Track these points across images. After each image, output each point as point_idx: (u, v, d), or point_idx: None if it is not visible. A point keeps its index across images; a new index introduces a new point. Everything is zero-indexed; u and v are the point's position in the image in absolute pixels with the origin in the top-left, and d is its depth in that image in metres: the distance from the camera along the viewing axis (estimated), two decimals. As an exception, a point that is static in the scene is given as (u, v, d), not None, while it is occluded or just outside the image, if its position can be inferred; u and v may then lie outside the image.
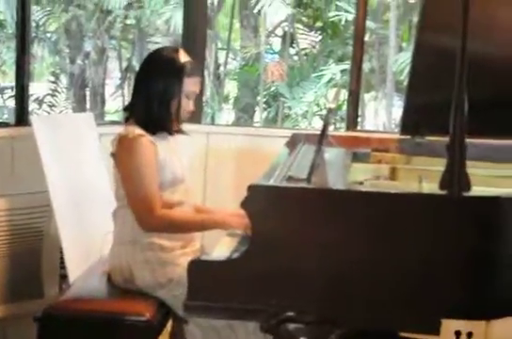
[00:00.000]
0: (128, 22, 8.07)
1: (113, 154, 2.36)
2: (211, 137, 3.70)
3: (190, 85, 2.38)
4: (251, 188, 1.92)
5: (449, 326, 1.89)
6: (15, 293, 2.88)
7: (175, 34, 7.22)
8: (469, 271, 1.89)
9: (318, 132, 2.38)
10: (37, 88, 7.57)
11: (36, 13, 7.57)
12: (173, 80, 2.34)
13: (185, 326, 2.33)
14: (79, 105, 8.00)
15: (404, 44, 7.59)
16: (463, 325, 1.88)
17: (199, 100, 3.81)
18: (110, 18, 7.80)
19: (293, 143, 2.82)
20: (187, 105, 2.40)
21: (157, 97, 2.34)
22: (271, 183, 2.05)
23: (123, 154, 2.32)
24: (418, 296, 1.90)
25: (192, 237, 2.45)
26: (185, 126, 2.51)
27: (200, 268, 1.96)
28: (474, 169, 2.05)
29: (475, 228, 1.88)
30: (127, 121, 2.41)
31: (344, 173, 2.48)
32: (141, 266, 2.33)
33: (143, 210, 2.28)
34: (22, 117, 3.14)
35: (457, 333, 1.88)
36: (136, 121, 2.36)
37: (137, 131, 2.32)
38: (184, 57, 2.37)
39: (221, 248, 2.22)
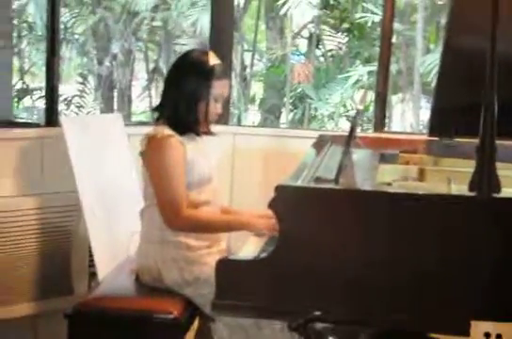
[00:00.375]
0: (155, 24, 8.12)
1: (142, 154, 2.38)
2: (237, 137, 3.71)
3: (219, 88, 2.39)
4: (279, 189, 1.93)
5: (478, 327, 1.88)
6: (46, 290, 2.92)
7: (201, 36, 7.25)
8: (497, 273, 1.88)
9: (345, 133, 2.38)
10: (65, 90, 7.66)
11: (64, 15, 7.65)
12: (202, 82, 2.36)
13: (212, 324, 2.34)
14: (106, 106, 8.08)
15: (431, 46, 7.55)
16: (492, 327, 1.87)
17: (226, 101, 3.83)
18: (137, 20, 7.86)
19: (320, 144, 2.82)
20: (215, 108, 2.42)
21: (186, 99, 2.36)
22: (299, 183, 2.05)
23: (152, 154, 2.34)
24: (446, 297, 1.89)
25: (218, 237, 2.47)
26: (213, 127, 2.53)
27: (227, 268, 1.97)
28: (504, 171, 2.03)
29: (505, 229, 1.86)
30: (157, 121, 2.44)
31: (372, 174, 2.48)
32: (169, 265, 2.35)
33: (170, 210, 2.30)
34: (51, 118, 3.18)
35: (487, 335, 1.87)
36: (165, 122, 2.39)
37: (167, 131, 2.34)
38: (213, 60, 2.39)
39: (248, 248, 2.24)
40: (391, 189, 2.18)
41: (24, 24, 7.86)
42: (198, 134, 2.44)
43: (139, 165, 2.44)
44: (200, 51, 2.47)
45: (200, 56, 2.40)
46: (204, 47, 4.76)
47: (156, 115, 2.46)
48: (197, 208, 2.37)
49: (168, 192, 2.30)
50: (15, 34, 7.33)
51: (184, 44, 7.94)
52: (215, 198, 2.47)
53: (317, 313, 1.93)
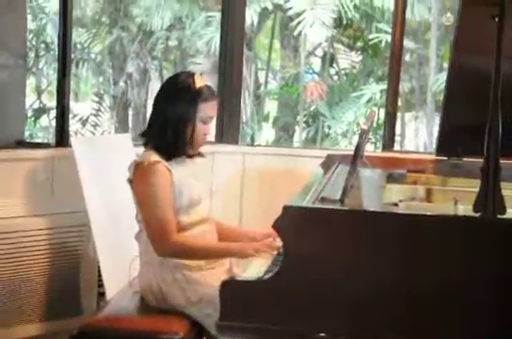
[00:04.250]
0: (170, 43, 8.18)
1: (129, 181, 2.36)
2: (247, 157, 3.71)
3: (206, 109, 2.38)
4: (285, 209, 1.93)
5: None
6: (55, 310, 2.92)
7: (215, 55, 7.29)
8: (503, 295, 1.86)
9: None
10: (81, 109, 7.70)
11: (82, 35, 7.74)
12: (187, 106, 2.35)
13: (218, 344, 2.33)
14: (121, 125, 8.12)
15: (445, 64, 7.54)
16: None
17: (236, 121, 3.85)
18: (152, 39, 7.93)
19: (328, 164, 2.82)
20: (203, 130, 2.40)
21: (172, 123, 2.34)
22: (304, 204, 2.05)
23: (139, 182, 2.32)
24: (448, 318, 1.88)
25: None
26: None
27: (232, 289, 1.96)
28: (510, 191, 2.02)
29: (510, 250, 1.85)
30: (145, 145, 2.43)
31: (379, 194, 2.47)
32: (171, 286, 2.34)
33: (158, 237, 2.29)
34: (62, 138, 3.20)
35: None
36: (152, 147, 2.38)
37: (153, 157, 2.32)
38: (199, 82, 2.37)
39: (254, 268, 2.23)
40: (396, 210, 2.17)
41: (42, 45, 7.95)
42: (186, 157, 2.43)
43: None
44: (186, 74, 2.44)
45: (184, 80, 2.38)
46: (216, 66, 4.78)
47: (144, 140, 2.44)
48: (187, 230, 2.35)
49: (154, 219, 2.29)
50: (33, 54, 7.42)
51: (199, 63, 7.99)
52: (208, 216, 2.46)
53: (322, 334, 1.92)
